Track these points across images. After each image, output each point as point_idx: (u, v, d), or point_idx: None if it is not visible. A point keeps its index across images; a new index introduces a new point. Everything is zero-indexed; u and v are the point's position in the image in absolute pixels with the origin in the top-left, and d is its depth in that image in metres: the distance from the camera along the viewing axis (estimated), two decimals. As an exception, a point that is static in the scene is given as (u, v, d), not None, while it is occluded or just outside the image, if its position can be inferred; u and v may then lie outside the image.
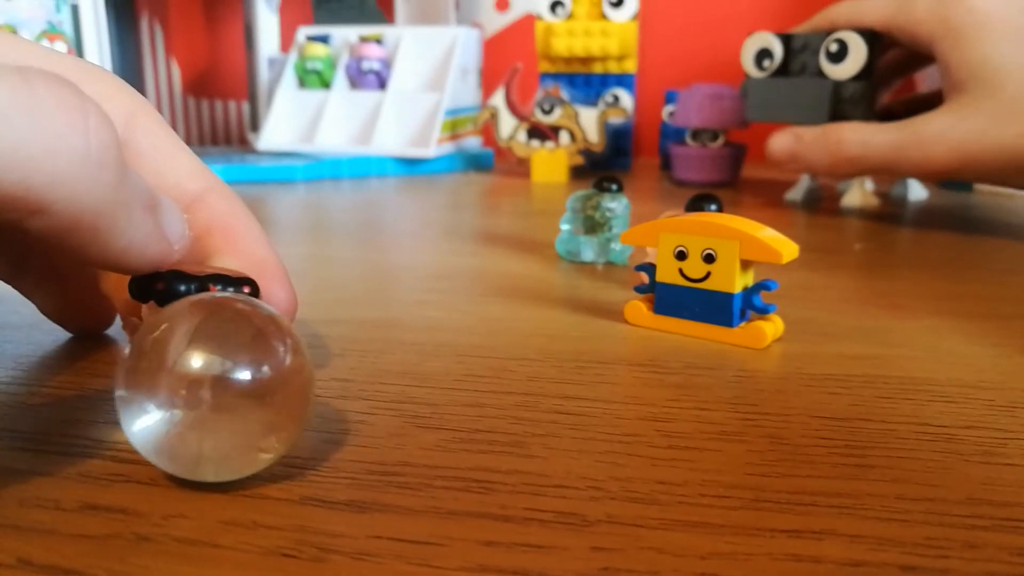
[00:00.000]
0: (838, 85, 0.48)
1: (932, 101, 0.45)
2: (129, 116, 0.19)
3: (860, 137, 0.45)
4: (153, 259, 0.17)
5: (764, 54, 0.53)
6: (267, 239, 0.21)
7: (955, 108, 0.41)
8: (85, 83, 0.18)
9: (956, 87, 0.42)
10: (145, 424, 0.15)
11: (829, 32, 0.48)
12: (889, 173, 0.46)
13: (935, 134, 0.42)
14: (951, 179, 0.45)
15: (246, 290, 0.18)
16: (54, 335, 0.26)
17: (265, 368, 0.15)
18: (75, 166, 0.14)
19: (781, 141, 0.50)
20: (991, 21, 0.40)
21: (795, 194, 0.58)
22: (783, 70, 0.52)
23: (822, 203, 0.56)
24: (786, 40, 0.52)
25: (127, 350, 0.16)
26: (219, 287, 0.17)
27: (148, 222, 0.16)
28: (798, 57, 0.51)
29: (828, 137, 0.47)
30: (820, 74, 0.49)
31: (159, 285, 0.17)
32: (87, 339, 0.26)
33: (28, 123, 0.14)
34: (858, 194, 0.53)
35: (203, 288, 0.17)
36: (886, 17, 0.45)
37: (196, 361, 0.15)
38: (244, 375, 0.15)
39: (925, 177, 0.45)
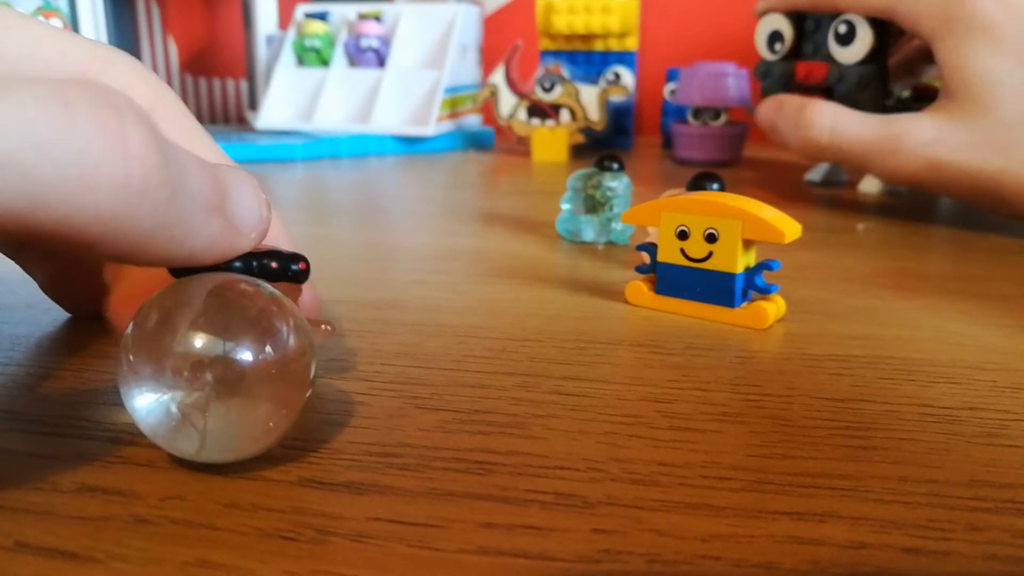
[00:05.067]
0: (844, 68, 0.47)
1: None
2: (151, 107, 0.18)
3: (833, 123, 0.42)
4: (223, 256, 0.16)
5: (775, 36, 0.50)
6: (292, 241, 0.21)
7: (942, 118, 0.39)
8: (104, 72, 0.17)
9: (949, 91, 0.39)
10: (147, 404, 0.15)
11: (838, 13, 0.46)
12: (858, 169, 0.44)
13: (915, 144, 0.39)
14: (918, 188, 0.42)
15: (301, 266, 0.17)
16: (51, 315, 0.26)
17: (268, 349, 0.15)
18: (116, 197, 0.13)
19: (764, 108, 0.47)
20: (996, 30, 0.37)
21: (814, 174, 0.56)
22: (795, 53, 0.50)
23: (843, 186, 0.55)
24: (798, 22, 0.49)
25: (130, 329, 0.16)
26: (277, 263, 0.17)
27: (213, 224, 0.15)
28: (811, 39, 0.49)
29: (801, 117, 0.44)
30: (829, 57, 0.47)
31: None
32: (84, 320, 0.25)
33: (65, 155, 0.12)
34: (876, 180, 0.51)
35: (262, 265, 0.17)
36: (888, 4, 0.42)
37: (199, 341, 0.15)
38: (246, 356, 0.15)
39: (893, 182, 0.42)
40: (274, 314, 0.16)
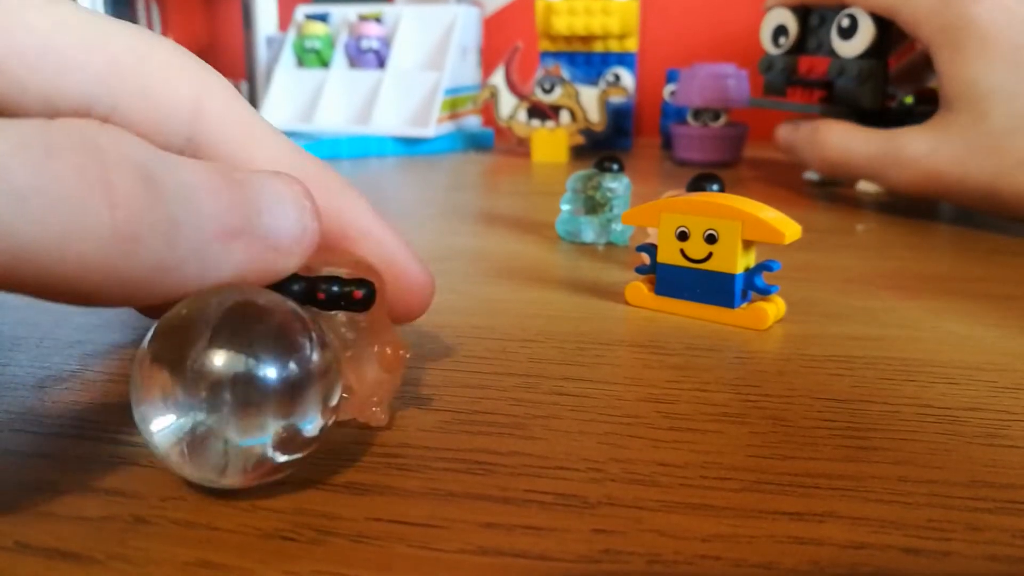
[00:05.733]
0: (844, 62, 0.47)
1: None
2: (194, 103, 0.17)
3: (842, 143, 0.45)
4: (262, 279, 0.15)
5: (780, 31, 0.51)
6: (379, 218, 0.19)
7: (939, 129, 0.40)
8: (138, 64, 0.16)
9: (946, 102, 0.40)
10: (163, 427, 0.14)
11: (842, 7, 0.47)
12: (870, 181, 0.46)
13: (913, 156, 0.41)
14: (925, 199, 0.44)
15: (357, 295, 0.16)
16: (52, 316, 0.26)
17: (292, 365, 0.14)
18: (103, 247, 0.12)
19: (782, 131, 0.50)
20: (989, 38, 0.38)
21: (813, 174, 0.56)
22: (799, 47, 0.51)
23: (842, 186, 0.55)
24: (803, 17, 0.50)
25: (144, 346, 0.15)
26: (325, 293, 0.16)
27: (235, 251, 0.14)
28: (815, 34, 0.49)
29: (815, 136, 0.46)
30: (832, 53, 0.48)
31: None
32: (86, 317, 0.25)
33: (45, 205, 0.12)
34: None
35: (312, 290, 0.16)
36: (891, 4, 0.43)
37: (218, 360, 0.14)
38: (270, 373, 0.14)
39: (897, 193, 0.44)
40: (296, 328, 0.15)
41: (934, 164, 0.40)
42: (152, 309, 0.21)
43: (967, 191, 0.39)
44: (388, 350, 0.17)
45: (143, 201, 0.13)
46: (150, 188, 0.13)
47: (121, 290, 0.13)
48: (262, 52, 0.84)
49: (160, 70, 0.16)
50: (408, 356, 0.18)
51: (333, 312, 0.17)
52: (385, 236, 0.19)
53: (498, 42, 0.90)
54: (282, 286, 0.16)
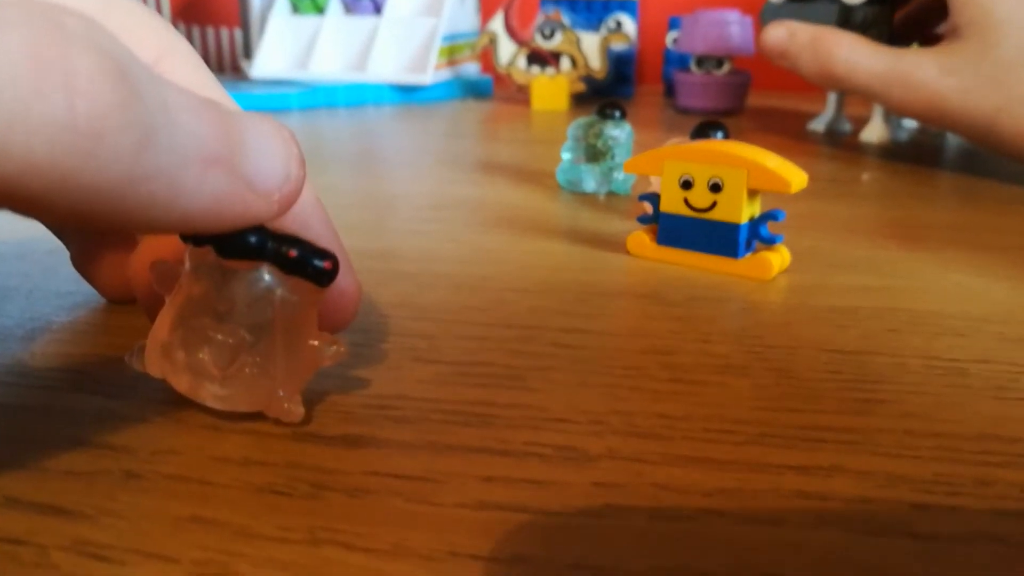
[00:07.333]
0: (850, 9, 0.46)
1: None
2: (154, 61, 0.16)
3: (849, 56, 0.43)
4: (233, 221, 0.13)
5: None
6: (325, 215, 0.18)
7: (947, 56, 0.39)
8: (108, 14, 0.15)
9: (955, 31, 0.39)
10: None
11: None
12: (870, 100, 0.44)
13: (920, 80, 0.40)
14: (925, 125, 0.43)
15: (326, 265, 0.15)
16: (42, 265, 0.25)
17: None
18: (56, 141, 0.11)
19: (775, 34, 0.47)
20: None
21: (817, 124, 0.56)
22: None
23: (846, 135, 0.53)
24: None
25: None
26: (297, 252, 0.15)
27: (215, 179, 0.13)
28: None
29: (819, 45, 0.44)
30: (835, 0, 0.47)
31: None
32: (77, 272, 0.25)
33: None
34: (877, 128, 0.51)
35: (279, 249, 0.15)
36: None
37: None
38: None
39: (899, 115, 0.43)
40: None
41: (939, 89, 0.39)
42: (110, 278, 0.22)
43: (968, 121, 0.39)
44: (332, 346, 0.16)
45: (112, 96, 0.11)
46: (122, 84, 0.11)
47: (73, 198, 0.11)
48: (256, -3, 0.83)
49: (124, 26, 0.15)
50: (342, 351, 0.16)
51: (267, 287, 0.15)
52: (325, 230, 0.18)
53: (497, -13, 0.88)
54: (242, 237, 0.14)
